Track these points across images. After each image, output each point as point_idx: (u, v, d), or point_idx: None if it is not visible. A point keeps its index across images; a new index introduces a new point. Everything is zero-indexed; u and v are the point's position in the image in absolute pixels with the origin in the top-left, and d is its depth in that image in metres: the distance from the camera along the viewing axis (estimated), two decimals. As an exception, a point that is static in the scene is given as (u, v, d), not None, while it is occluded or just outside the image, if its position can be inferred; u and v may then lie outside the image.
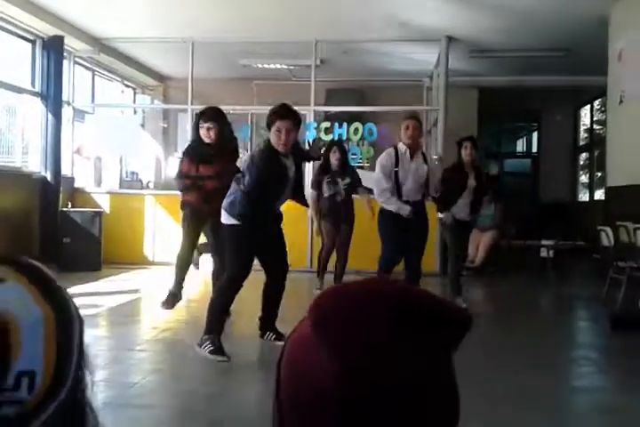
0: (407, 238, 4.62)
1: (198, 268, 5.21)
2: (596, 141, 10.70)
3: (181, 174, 4.54)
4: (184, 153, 4.68)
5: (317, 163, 5.80)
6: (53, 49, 7.26)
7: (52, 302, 0.57)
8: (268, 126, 3.57)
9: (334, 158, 5.71)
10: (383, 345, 0.56)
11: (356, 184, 5.85)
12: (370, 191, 5.41)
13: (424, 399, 0.56)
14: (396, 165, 4.63)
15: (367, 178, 5.94)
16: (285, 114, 3.52)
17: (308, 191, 5.43)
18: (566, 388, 3.47)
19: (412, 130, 4.60)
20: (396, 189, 4.63)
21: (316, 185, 5.77)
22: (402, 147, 4.68)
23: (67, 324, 0.58)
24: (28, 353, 0.53)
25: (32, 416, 0.54)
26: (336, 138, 7.84)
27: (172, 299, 4.66)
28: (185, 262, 4.64)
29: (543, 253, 7.46)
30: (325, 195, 5.72)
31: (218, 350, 3.49)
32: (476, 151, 5.50)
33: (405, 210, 4.55)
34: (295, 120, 3.55)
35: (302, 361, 0.60)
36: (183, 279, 4.68)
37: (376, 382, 0.55)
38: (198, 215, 4.48)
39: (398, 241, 4.61)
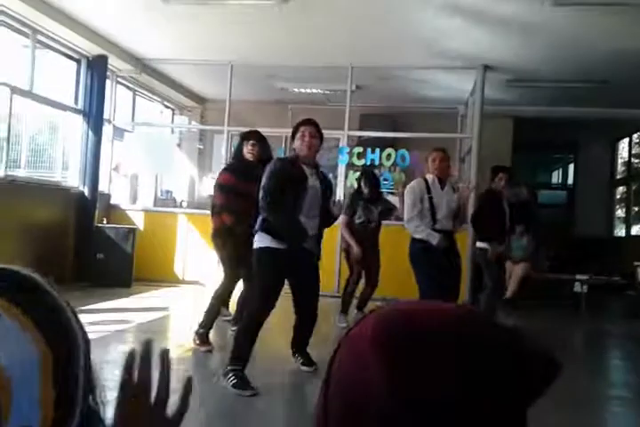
0: (443, 278, 4.38)
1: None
2: (634, 175, 10.52)
3: (222, 187, 4.54)
4: (223, 169, 4.77)
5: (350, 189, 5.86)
6: (97, 68, 7.49)
7: (49, 334, 0.52)
8: (293, 136, 3.64)
9: (365, 187, 5.74)
10: (449, 391, 0.50)
11: (388, 210, 5.85)
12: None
13: None
14: (428, 192, 4.55)
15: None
16: (308, 121, 3.68)
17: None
18: (598, 428, 3.35)
19: (440, 161, 4.56)
20: (432, 216, 4.51)
21: (351, 211, 5.70)
22: (430, 177, 4.61)
23: (67, 355, 0.53)
24: (21, 409, 0.48)
25: None
26: (368, 163, 7.89)
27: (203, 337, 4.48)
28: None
29: (577, 287, 7.29)
30: (358, 221, 5.70)
31: (242, 383, 3.39)
32: (508, 183, 5.56)
33: (435, 237, 4.41)
34: (318, 128, 3.66)
35: (355, 372, 0.55)
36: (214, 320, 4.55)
37: (436, 415, 0.50)
38: (234, 237, 4.41)
39: (435, 277, 4.37)
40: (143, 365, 0.66)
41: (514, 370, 0.52)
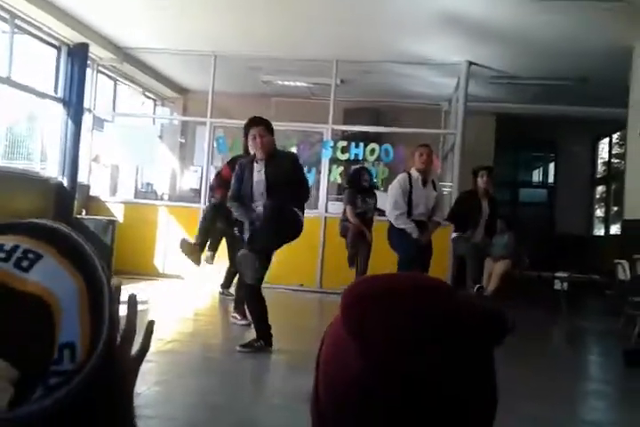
0: (416, 259, 4.96)
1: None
2: (613, 175, 10.63)
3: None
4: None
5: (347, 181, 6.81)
6: (78, 56, 7.34)
7: (84, 273, 0.59)
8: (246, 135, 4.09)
9: (364, 180, 6.40)
10: (416, 341, 0.54)
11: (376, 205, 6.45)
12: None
13: (455, 397, 0.54)
14: (410, 189, 4.99)
15: (382, 198, 6.26)
16: (255, 121, 4.06)
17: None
18: (578, 422, 3.37)
19: (427, 156, 4.99)
20: (409, 209, 5.03)
21: (351, 201, 6.32)
22: (415, 173, 5.04)
23: (98, 294, 0.59)
24: (67, 326, 0.55)
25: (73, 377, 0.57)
26: (352, 157, 7.88)
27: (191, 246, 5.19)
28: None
29: (557, 285, 7.34)
30: (357, 211, 6.30)
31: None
32: (491, 181, 5.69)
33: (415, 231, 4.98)
34: (266, 125, 4.02)
35: (335, 352, 0.59)
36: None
37: (405, 377, 0.53)
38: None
39: (412, 251, 4.95)
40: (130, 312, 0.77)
41: (480, 319, 0.56)
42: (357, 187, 6.37)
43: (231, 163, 5.10)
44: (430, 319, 0.55)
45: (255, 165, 4.09)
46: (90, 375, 0.58)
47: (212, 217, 5.34)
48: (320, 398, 0.60)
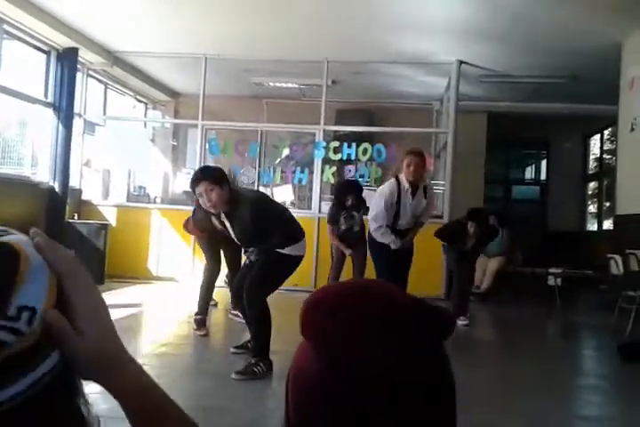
0: (397, 265, 4.62)
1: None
2: (605, 171, 10.67)
3: None
4: None
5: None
6: (67, 61, 7.32)
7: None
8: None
9: (349, 201, 5.83)
10: (364, 342, 0.57)
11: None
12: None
13: (412, 391, 0.57)
14: (398, 199, 4.56)
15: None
16: (199, 177, 3.57)
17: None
18: (573, 416, 3.38)
19: (415, 167, 4.47)
20: (394, 218, 4.61)
21: (333, 220, 5.88)
22: (404, 182, 4.55)
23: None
24: (32, 290, 0.54)
25: (36, 355, 0.54)
26: (344, 158, 7.87)
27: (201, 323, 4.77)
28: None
29: (550, 281, 7.36)
30: (342, 228, 5.90)
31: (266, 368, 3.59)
32: (483, 227, 5.64)
33: (396, 244, 4.60)
34: (213, 179, 3.51)
35: (299, 360, 0.62)
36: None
37: (360, 377, 0.56)
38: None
39: (390, 267, 4.58)
40: None
41: (420, 317, 0.60)
42: (341, 205, 5.90)
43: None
44: (380, 321, 0.58)
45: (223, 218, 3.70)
46: (56, 367, 0.56)
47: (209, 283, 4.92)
48: (288, 404, 0.63)
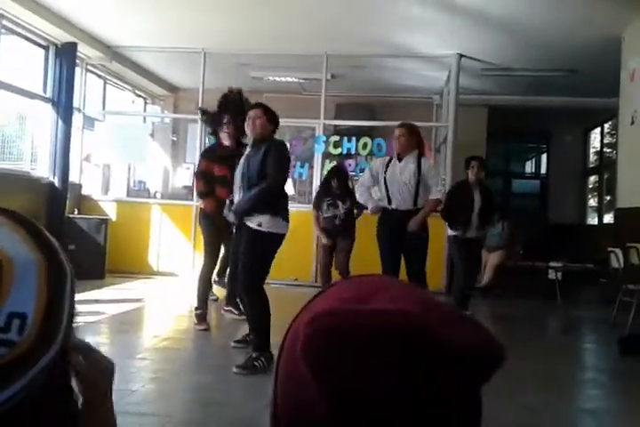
0: (403, 249, 4.48)
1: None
2: (606, 164, 10.65)
3: (198, 173, 4.82)
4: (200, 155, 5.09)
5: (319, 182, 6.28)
6: (66, 56, 7.30)
7: (42, 247, 0.56)
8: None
9: (335, 184, 5.81)
10: (386, 383, 0.49)
11: (358, 207, 5.76)
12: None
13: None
14: (385, 170, 4.60)
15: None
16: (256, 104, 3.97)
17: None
18: (575, 410, 3.39)
19: (398, 138, 4.58)
20: (386, 194, 4.58)
21: (317, 205, 5.88)
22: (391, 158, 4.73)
23: (58, 269, 0.56)
24: (20, 295, 0.51)
25: (27, 362, 0.52)
26: (344, 152, 7.86)
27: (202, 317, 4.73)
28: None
29: (551, 274, 7.36)
30: (324, 215, 5.82)
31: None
32: (483, 171, 5.58)
33: (371, 204, 4.61)
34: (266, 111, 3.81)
35: (293, 389, 0.54)
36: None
37: (375, 420, 0.49)
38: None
39: (392, 252, 4.51)
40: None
41: (459, 358, 0.49)
42: (327, 190, 5.84)
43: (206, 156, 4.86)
44: (403, 359, 0.49)
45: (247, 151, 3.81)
46: (47, 370, 0.54)
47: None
48: (278, 415, 0.57)
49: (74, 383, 0.61)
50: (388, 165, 4.62)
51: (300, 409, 0.53)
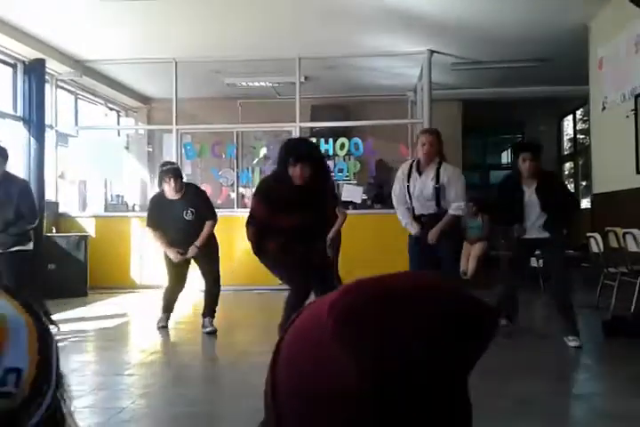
0: (434, 261, 4.36)
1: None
2: (580, 151, 10.77)
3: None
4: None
5: None
6: (35, 72, 7.23)
7: (25, 308, 0.58)
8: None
9: None
10: (416, 349, 0.50)
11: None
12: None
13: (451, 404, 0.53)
14: (408, 178, 4.45)
15: (352, 191, 5.85)
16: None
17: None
18: (563, 395, 3.41)
19: (428, 146, 4.37)
20: (410, 201, 4.47)
21: None
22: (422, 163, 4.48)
23: (44, 333, 0.59)
24: (15, 352, 0.54)
25: (23, 414, 0.55)
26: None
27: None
28: None
29: (533, 262, 7.42)
30: None
31: None
32: (537, 163, 4.40)
33: (414, 228, 4.41)
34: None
35: (313, 354, 0.54)
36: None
37: (407, 386, 0.50)
38: None
39: (420, 265, 4.36)
40: None
41: (465, 328, 0.52)
42: None
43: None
44: (431, 324, 0.51)
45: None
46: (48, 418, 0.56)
47: None
48: (281, 400, 0.57)
49: None
50: (410, 175, 4.45)
51: (320, 387, 0.53)
